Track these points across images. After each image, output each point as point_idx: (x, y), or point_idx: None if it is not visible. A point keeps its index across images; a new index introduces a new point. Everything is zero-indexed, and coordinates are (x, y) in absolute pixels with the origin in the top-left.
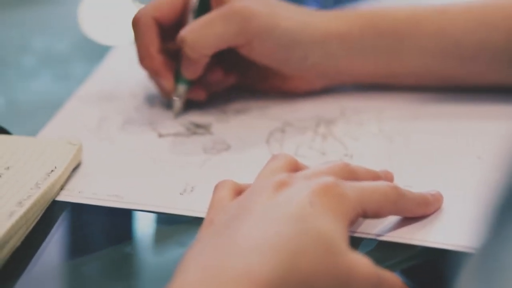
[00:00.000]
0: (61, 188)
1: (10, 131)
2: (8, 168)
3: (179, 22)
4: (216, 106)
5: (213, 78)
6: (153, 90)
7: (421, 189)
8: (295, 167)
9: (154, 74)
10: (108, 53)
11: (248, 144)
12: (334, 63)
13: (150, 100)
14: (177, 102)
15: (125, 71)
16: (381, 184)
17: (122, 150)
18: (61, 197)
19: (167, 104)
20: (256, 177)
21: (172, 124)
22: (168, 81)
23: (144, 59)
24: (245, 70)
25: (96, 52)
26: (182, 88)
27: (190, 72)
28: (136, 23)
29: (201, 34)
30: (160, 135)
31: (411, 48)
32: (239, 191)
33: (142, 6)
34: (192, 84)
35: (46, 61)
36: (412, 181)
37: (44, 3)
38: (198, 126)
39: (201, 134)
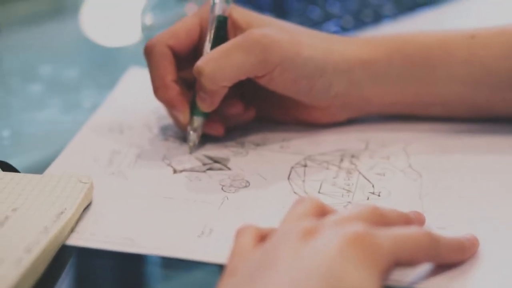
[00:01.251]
0: (71, 230)
1: (16, 166)
2: (15, 209)
3: (195, 50)
4: (233, 138)
5: (232, 111)
6: (168, 120)
7: (455, 232)
8: (322, 211)
9: (169, 105)
10: (120, 79)
11: (268, 181)
12: (359, 92)
13: (164, 131)
14: (193, 136)
15: (137, 99)
16: (414, 230)
17: (135, 187)
18: (72, 241)
19: (182, 136)
20: (280, 222)
21: (187, 158)
22: (183, 114)
23: (158, 89)
24: (265, 100)
25: (107, 78)
26: (198, 121)
27: (207, 104)
28: (150, 51)
29: (219, 65)
30: (175, 171)
31: (441, 75)
32: (262, 236)
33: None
34: (209, 116)
35: (54, 88)
36: (445, 222)
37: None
38: (214, 160)
39: (218, 169)
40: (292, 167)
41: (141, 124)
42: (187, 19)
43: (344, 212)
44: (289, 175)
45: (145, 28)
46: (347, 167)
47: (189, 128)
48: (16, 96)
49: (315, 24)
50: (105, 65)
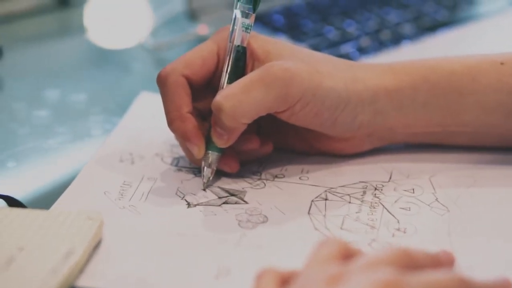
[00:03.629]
0: (81, 270)
1: (21, 199)
2: (21, 248)
3: (211, 79)
4: (250, 169)
5: (248, 147)
6: (179, 149)
7: (485, 272)
8: (347, 254)
9: (184, 138)
10: (130, 105)
11: (287, 216)
12: (384, 122)
13: (177, 161)
14: (207, 172)
15: (149, 126)
16: (445, 277)
17: (147, 223)
18: (81, 282)
19: (196, 166)
20: (304, 266)
21: (201, 192)
22: (199, 148)
23: (174, 121)
24: (284, 133)
25: (117, 102)
26: (213, 156)
27: (224, 141)
28: (164, 81)
29: (239, 101)
30: (189, 205)
31: (469, 103)
32: (283, 281)
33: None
34: (224, 152)
35: (61, 114)
36: (475, 262)
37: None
38: (230, 193)
39: (234, 203)
40: (312, 201)
41: (153, 153)
42: (203, 47)
43: (371, 256)
44: (309, 210)
45: (154, 49)
46: (370, 200)
47: (203, 163)
48: (22, 124)
49: (332, 45)
50: (114, 88)
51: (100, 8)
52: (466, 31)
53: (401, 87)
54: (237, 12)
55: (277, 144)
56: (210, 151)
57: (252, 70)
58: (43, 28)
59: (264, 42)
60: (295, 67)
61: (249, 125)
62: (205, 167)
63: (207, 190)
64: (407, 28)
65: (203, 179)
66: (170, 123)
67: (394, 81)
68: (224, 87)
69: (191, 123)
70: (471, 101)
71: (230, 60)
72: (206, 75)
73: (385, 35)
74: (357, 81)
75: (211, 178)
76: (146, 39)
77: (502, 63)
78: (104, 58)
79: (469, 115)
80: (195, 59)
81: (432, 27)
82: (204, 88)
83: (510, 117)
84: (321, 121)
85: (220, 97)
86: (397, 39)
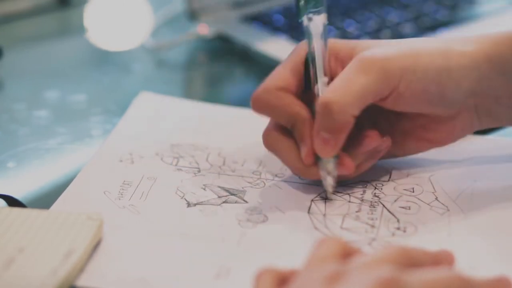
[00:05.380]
0: (80, 271)
1: (22, 199)
2: (21, 249)
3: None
4: (249, 168)
5: (370, 144)
6: (180, 148)
7: (486, 271)
8: (346, 253)
9: (300, 139)
10: (130, 105)
11: (287, 215)
12: (489, 89)
13: (177, 160)
14: (330, 181)
15: (148, 126)
16: (444, 274)
17: (147, 223)
18: (81, 282)
19: (195, 166)
20: (304, 266)
21: (201, 190)
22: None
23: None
24: (394, 133)
25: (116, 102)
26: (329, 163)
27: (330, 147)
28: (258, 100)
29: (345, 93)
30: (189, 204)
31: None
32: (282, 280)
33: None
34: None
35: (61, 115)
36: (476, 261)
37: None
38: (230, 193)
39: (234, 202)
40: (312, 200)
41: (152, 153)
42: (287, 61)
43: (371, 255)
44: (309, 209)
45: (154, 49)
46: (370, 199)
47: (322, 173)
48: (22, 124)
49: None
50: (114, 88)
51: (100, 9)
52: (466, 31)
53: (501, 52)
54: (304, 20)
55: (390, 152)
56: (324, 159)
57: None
58: (43, 29)
59: (345, 43)
60: (385, 50)
61: (361, 126)
62: (327, 176)
63: (207, 189)
64: (407, 28)
65: (327, 188)
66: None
67: (494, 47)
68: (320, 92)
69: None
70: None
71: (316, 68)
72: (298, 86)
73: (386, 34)
74: (453, 50)
75: (334, 186)
76: (146, 40)
77: None
78: (104, 59)
79: None
80: (283, 71)
81: (433, 27)
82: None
83: None
84: (430, 97)
85: (325, 93)
86: (397, 39)
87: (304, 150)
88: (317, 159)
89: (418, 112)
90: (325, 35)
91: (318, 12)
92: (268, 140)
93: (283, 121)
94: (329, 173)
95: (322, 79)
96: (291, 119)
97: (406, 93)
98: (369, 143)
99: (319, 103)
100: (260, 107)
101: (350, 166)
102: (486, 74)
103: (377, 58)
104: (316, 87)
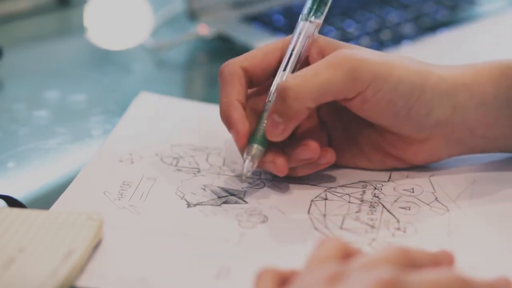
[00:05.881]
0: (80, 271)
1: (22, 199)
2: (21, 249)
3: (270, 75)
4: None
5: (306, 155)
6: (180, 148)
7: (485, 271)
8: (347, 253)
9: (227, 124)
10: (130, 105)
11: (287, 216)
12: (464, 119)
13: (177, 161)
14: (248, 165)
15: (148, 126)
16: (444, 275)
17: (147, 223)
18: (81, 282)
19: (195, 166)
20: (304, 266)
21: (201, 191)
22: (240, 135)
23: (220, 107)
24: (357, 142)
25: (116, 102)
26: (257, 150)
27: (279, 131)
28: (221, 72)
29: (306, 81)
30: (189, 205)
31: None
32: (283, 280)
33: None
34: (267, 148)
35: (61, 115)
36: (475, 261)
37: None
38: (230, 193)
39: (234, 203)
40: (312, 200)
41: (152, 153)
42: (269, 44)
43: (371, 255)
44: (309, 209)
45: (154, 49)
46: (370, 200)
47: (245, 155)
48: (22, 124)
49: None
50: (114, 88)
51: (100, 8)
52: (466, 31)
53: (481, 82)
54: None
55: (350, 160)
56: (255, 144)
57: None
58: (43, 29)
59: (331, 41)
60: (365, 53)
61: (318, 136)
62: (246, 160)
63: (207, 190)
64: (407, 28)
65: (243, 171)
66: (220, 109)
67: (473, 76)
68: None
69: (237, 110)
70: None
71: (288, 61)
72: (266, 69)
73: (386, 35)
74: (431, 74)
75: (250, 173)
76: (146, 40)
77: None
78: (104, 59)
79: None
80: (256, 52)
81: (433, 27)
82: (262, 85)
83: None
84: (395, 111)
85: (288, 78)
86: (397, 39)
87: (235, 136)
88: (251, 137)
89: (385, 127)
90: (310, 38)
91: (317, 17)
92: (222, 108)
93: (220, 97)
94: (250, 159)
95: (286, 73)
96: (224, 99)
97: (372, 100)
98: (303, 152)
99: (278, 86)
100: (221, 78)
101: (280, 167)
102: (462, 103)
103: (351, 57)
104: (276, 77)
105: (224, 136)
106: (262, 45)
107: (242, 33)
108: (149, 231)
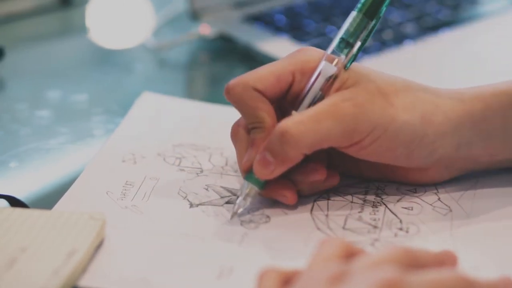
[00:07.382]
0: (83, 271)
1: (24, 199)
2: (24, 249)
3: (280, 100)
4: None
5: (315, 178)
6: (182, 148)
7: (488, 272)
8: (349, 253)
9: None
10: (132, 105)
11: (289, 216)
12: (468, 153)
13: (179, 161)
14: (240, 203)
15: (151, 126)
16: (448, 275)
17: (150, 223)
18: (83, 282)
19: (198, 166)
20: (306, 266)
21: (204, 190)
22: (240, 166)
23: (231, 131)
24: (355, 161)
25: (118, 102)
26: (251, 191)
27: (268, 171)
28: (233, 92)
29: (307, 130)
30: (192, 205)
31: None
32: (285, 280)
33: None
34: (263, 188)
35: (63, 115)
36: (478, 261)
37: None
38: (232, 193)
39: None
40: (315, 200)
41: (155, 153)
42: (277, 65)
43: (374, 255)
44: (311, 209)
45: (156, 49)
46: (373, 200)
47: (239, 191)
48: (24, 124)
49: None
50: (116, 88)
51: (102, 8)
52: (468, 31)
53: (490, 117)
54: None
55: (348, 172)
56: (251, 184)
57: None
58: (45, 28)
59: (356, 72)
60: (367, 101)
61: (319, 155)
62: (239, 197)
63: (210, 190)
64: (409, 28)
65: (234, 207)
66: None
67: (482, 111)
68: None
69: (239, 141)
70: None
71: (308, 94)
72: (277, 93)
73: (387, 34)
74: (437, 113)
75: (240, 211)
76: (148, 39)
77: None
78: (106, 58)
79: None
80: (269, 75)
81: (434, 27)
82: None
83: None
84: (394, 156)
85: (289, 121)
86: (399, 39)
87: (247, 156)
88: (248, 174)
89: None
90: (328, 79)
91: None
92: (232, 131)
93: (247, 120)
94: (244, 197)
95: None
96: (254, 122)
97: (370, 147)
98: (312, 175)
99: (278, 127)
100: (232, 98)
101: (291, 200)
102: (468, 139)
103: (352, 111)
104: (293, 112)
105: (226, 136)
106: (272, 63)
107: (244, 33)
108: (151, 231)
